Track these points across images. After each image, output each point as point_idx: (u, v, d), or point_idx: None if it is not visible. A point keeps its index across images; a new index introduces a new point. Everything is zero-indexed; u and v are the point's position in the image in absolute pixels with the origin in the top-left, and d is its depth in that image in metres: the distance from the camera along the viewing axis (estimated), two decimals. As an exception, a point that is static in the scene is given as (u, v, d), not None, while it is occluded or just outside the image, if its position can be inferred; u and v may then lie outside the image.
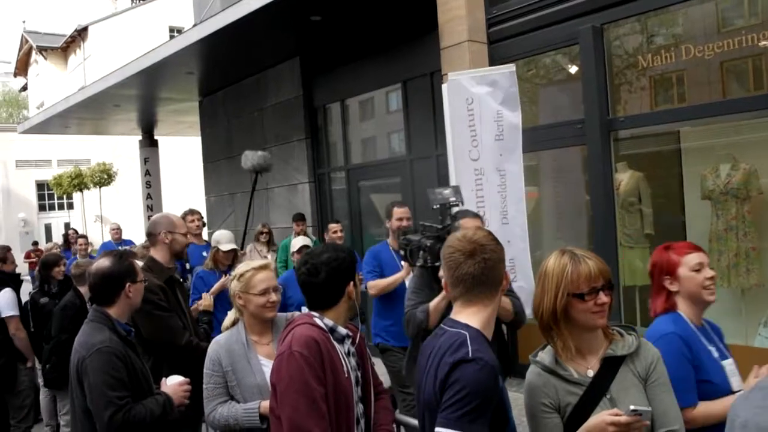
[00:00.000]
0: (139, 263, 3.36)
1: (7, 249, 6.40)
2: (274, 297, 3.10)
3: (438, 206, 3.87)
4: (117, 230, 11.27)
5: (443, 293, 3.26)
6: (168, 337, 3.80)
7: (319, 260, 2.57)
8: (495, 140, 5.29)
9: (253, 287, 3.07)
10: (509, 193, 5.35)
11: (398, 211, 5.25)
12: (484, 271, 2.07)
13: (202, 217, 7.56)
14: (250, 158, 6.75)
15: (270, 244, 8.89)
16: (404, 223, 5.19)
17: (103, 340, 2.92)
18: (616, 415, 1.97)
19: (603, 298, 2.11)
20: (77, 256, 9.68)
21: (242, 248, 7.28)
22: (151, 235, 4.11)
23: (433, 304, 3.59)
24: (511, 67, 5.43)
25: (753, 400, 1.24)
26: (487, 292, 2.10)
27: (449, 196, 3.90)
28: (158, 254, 4.07)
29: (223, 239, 5.79)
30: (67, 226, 40.31)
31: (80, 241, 10.11)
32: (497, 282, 2.13)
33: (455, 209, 3.97)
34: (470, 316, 2.09)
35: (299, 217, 9.14)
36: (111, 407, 2.82)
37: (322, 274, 2.55)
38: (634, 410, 1.93)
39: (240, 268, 3.17)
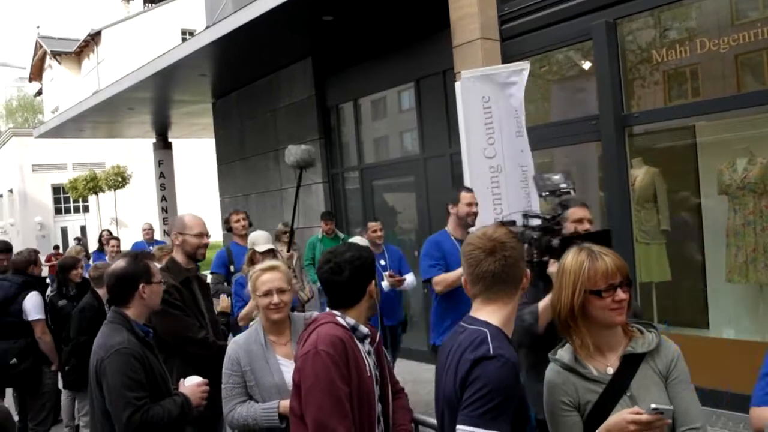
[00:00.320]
0: (158, 264, 3.36)
1: (37, 252, 6.47)
2: (276, 299, 3.08)
3: (546, 194, 3.54)
4: (149, 230, 10.86)
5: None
6: (182, 334, 3.82)
7: (342, 258, 2.57)
8: (516, 137, 5.28)
9: (257, 288, 3.10)
10: (532, 188, 5.33)
11: (467, 196, 4.78)
12: (504, 268, 2.07)
13: (248, 217, 7.23)
14: (293, 153, 6.27)
15: (291, 243, 8.56)
16: (473, 209, 4.77)
17: (121, 342, 2.94)
18: (637, 413, 1.95)
19: (621, 294, 2.09)
20: (108, 258, 9.40)
21: (289, 249, 6.98)
22: (168, 236, 4.18)
23: (542, 304, 3.12)
24: (525, 65, 5.41)
25: None
26: (507, 290, 2.10)
27: (559, 182, 3.53)
28: (177, 255, 4.11)
29: (260, 240, 5.48)
30: (83, 229, 40.64)
31: (112, 242, 9.82)
32: (517, 280, 2.13)
33: (565, 197, 3.56)
34: (490, 314, 2.09)
35: (327, 216, 8.86)
36: (129, 408, 2.84)
37: (346, 272, 2.55)
38: (655, 408, 1.90)
39: (254, 268, 3.19)
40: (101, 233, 10.77)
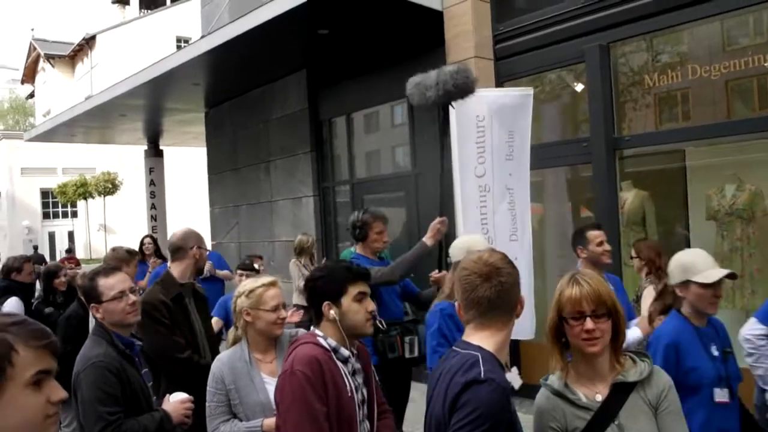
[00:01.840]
0: (111, 281, 3.13)
1: (26, 260, 6.43)
2: (284, 313, 3.10)
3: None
4: (151, 244, 8.94)
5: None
6: (165, 352, 3.74)
7: (307, 280, 2.71)
8: (506, 160, 5.29)
9: (264, 303, 3.05)
10: (518, 211, 5.34)
11: (596, 235, 4.37)
12: (500, 294, 2.05)
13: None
14: (434, 79, 4.82)
15: (313, 258, 8.09)
16: (606, 246, 4.36)
17: (98, 354, 2.89)
18: None
19: (588, 324, 2.09)
20: (150, 268, 8.38)
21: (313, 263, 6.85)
22: (181, 249, 4.05)
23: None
24: (528, 91, 5.44)
25: None
26: (501, 316, 2.08)
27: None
28: (177, 269, 4.02)
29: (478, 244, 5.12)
30: (71, 234, 40.40)
31: (153, 259, 8.57)
32: (512, 306, 2.10)
33: None
34: (483, 339, 2.07)
35: None
36: (101, 422, 2.79)
37: (307, 293, 2.69)
38: None
39: (247, 284, 3.14)
40: (142, 240, 8.93)
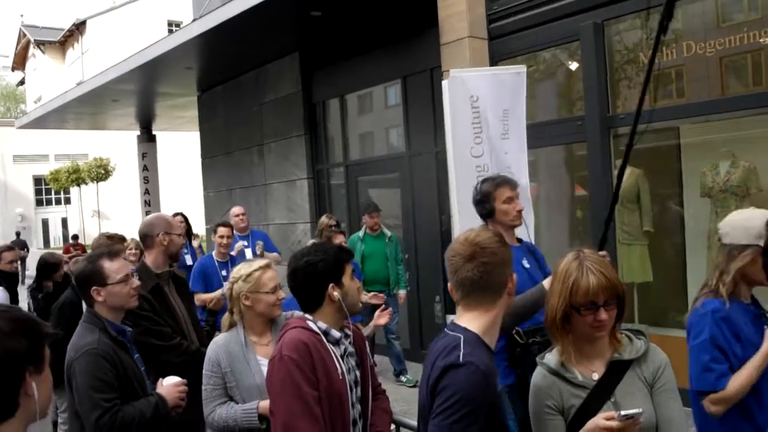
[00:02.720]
0: (116, 264, 3.13)
1: (5, 249, 6.37)
2: (282, 294, 3.10)
3: None
4: (242, 216, 7.77)
5: None
6: (154, 343, 3.65)
7: (297, 264, 2.60)
8: (501, 139, 5.26)
9: (263, 285, 3.04)
10: (520, 190, 5.33)
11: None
12: (483, 275, 2.01)
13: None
14: None
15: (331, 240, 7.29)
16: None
17: (91, 342, 2.89)
18: (609, 418, 1.95)
19: (602, 315, 2.05)
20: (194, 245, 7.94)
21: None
22: (147, 237, 3.93)
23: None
24: (521, 68, 5.41)
25: None
26: (487, 296, 2.04)
27: None
28: (150, 258, 3.93)
29: None
30: (64, 221, 40.34)
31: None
32: (499, 286, 2.06)
33: None
34: (470, 321, 2.05)
35: (372, 208, 7.66)
36: (98, 409, 2.79)
37: (299, 279, 2.58)
38: (624, 415, 1.92)
39: (242, 268, 3.13)
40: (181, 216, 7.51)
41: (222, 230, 6.73)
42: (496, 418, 1.96)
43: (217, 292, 5.62)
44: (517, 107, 5.36)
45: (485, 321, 2.04)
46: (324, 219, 7.43)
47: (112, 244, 5.51)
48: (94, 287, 3.02)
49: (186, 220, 7.63)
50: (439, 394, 1.91)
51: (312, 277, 2.56)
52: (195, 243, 7.71)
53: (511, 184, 3.79)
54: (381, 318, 3.98)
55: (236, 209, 7.85)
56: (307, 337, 2.49)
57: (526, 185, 5.45)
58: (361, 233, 7.68)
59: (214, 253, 6.69)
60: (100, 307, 3.04)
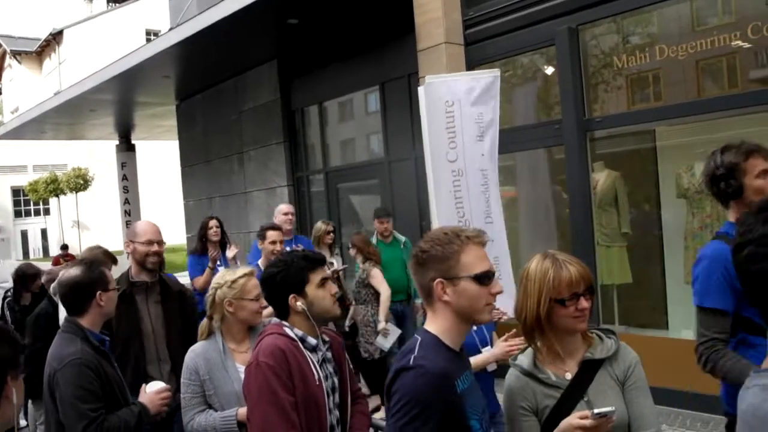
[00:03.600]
0: (110, 272, 3.20)
1: None
2: (264, 302, 3.08)
3: None
4: (291, 216, 6.73)
5: None
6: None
7: (266, 275, 2.65)
8: (476, 141, 5.29)
9: (248, 293, 3.05)
10: (491, 192, 5.35)
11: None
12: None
13: None
14: None
15: (333, 246, 7.09)
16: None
17: (75, 352, 2.87)
18: (583, 417, 1.97)
19: (584, 303, 2.10)
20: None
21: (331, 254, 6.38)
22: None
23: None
24: (495, 72, 5.45)
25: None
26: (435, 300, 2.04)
27: None
28: (132, 265, 3.87)
29: None
30: (44, 232, 39.95)
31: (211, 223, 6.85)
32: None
33: None
34: (430, 323, 2.06)
35: (383, 213, 6.99)
36: (84, 420, 2.78)
37: (265, 290, 2.67)
38: (597, 413, 1.95)
39: (226, 275, 3.12)
40: (206, 223, 6.83)
41: (272, 234, 5.66)
42: (454, 418, 1.96)
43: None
44: (491, 111, 5.39)
45: (440, 324, 2.04)
46: (320, 225, 6.91)
47: (106, 261, 5.45)
48: (99, 291, 3.03)
49: (221, 225, 6.87)
50: (391, 397, 1.94)
51: (273, 289, 2.62)
52: (230, 253, 6.71)
53: (764, 153, 2.77)
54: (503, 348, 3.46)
55: (284, 207, 6.84)
56: (284, 343, 2.50)
57: (497, 186, 5.48)
58: (374, 239, 6.96)
59: (261, 262, 5.59)
60: (92, 315, 3.03)
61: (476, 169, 5.28)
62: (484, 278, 1.99)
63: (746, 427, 1.19)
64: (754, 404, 1.17)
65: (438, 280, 1.99)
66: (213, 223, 6.82)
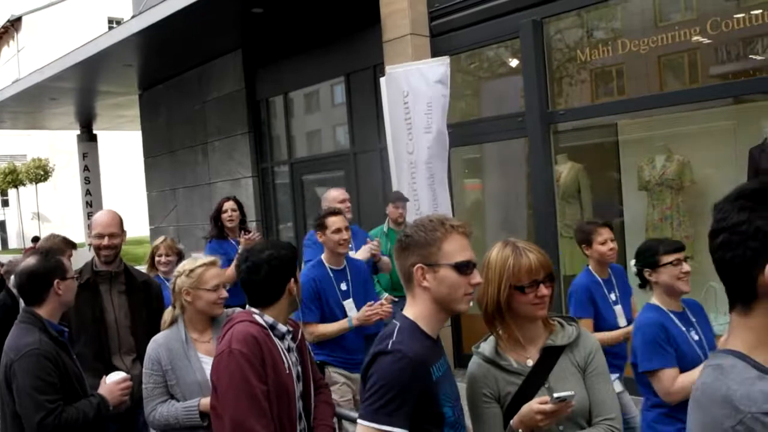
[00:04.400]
0: (68, 262, 3.18)
1: None
2: (224, 293, 3.07)
3: None
4: (348, 203, 5.37)
5: None
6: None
7: (259, 258, 2.57)
8: (424, 133, 5.29)
9: (205, 283, 3.01)
10: (437, 186, 5.33)
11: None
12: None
13: None
14: None
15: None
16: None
17: (32, 342, 2.83)
18: (543, 402, 2.01)
19: (543, 290, 2.13)
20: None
21: None
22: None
23: None
24: (445, 60, 5.44)
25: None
26: (414, 286, 2.06)
27: None
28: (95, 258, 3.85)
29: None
30: (2, 224, 39.10)
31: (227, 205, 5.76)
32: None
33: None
34: (408, 309, 2.08)
35: (397, 197, 5.96)
36: (41, 411, 2.75)
37: (263, 271, 2.56)
38: (557, 398, 1.98)
39: (186, 264, 3.09)
40: (221, 206, 5.75)
41: (335, 221, 4.31)
42: (428, 404, 1.98)
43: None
44: (440, 100, 5.37)
45: (417, 310, 2.06)
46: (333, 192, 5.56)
47: (65, 249, 5.32)
48: (57, 279, 2.98)
49: (240, 208, 5.81)
50: (368, 380, 1.95)
51: (276, 270, 2.57)
52: (242, 242, 5.42)
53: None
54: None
55: (336, 193, 5.48)
56: (256, 330, 2.49)
57: (444, 180, 5.45)
58: (385, 227, 6.13)
59: (324, 257, 4.43)
60: (50, 304, 2.99)
61: (423, 162, 5.27)
62: (465, 267, 2.00)
63: (695, 405, 1.22)
64: (705, 383, 1.20)
65: (418, 265, 2.00)
66: (229, 205, 5.72)
